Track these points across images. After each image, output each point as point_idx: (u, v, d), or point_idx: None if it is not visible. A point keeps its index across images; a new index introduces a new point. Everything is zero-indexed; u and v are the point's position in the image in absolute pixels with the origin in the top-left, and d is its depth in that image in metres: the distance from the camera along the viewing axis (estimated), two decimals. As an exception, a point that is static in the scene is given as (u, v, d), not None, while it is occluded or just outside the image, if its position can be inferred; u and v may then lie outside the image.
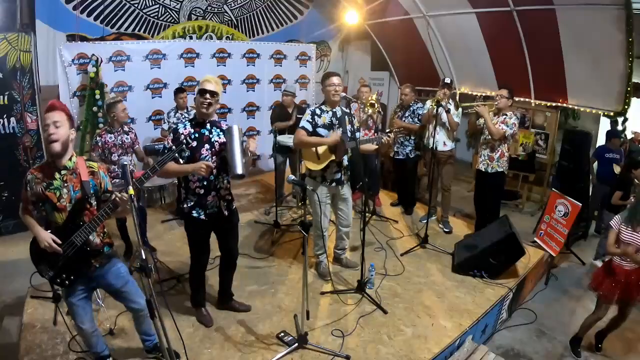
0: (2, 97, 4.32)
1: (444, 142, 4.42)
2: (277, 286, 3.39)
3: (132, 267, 2.23)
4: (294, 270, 3.62)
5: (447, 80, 4.33)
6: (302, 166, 4.78)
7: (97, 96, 4.51)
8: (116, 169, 3.49)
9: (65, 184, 2.04)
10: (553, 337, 3.35)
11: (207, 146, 2.56)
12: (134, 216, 1.76)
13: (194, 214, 2.62)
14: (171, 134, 2.60)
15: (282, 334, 2.74)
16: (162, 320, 1.77)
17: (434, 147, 4.35)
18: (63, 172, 2.04)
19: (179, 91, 4.69)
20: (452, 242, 4.11)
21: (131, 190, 1.77)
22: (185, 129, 2.57)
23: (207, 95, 2.51)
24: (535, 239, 4.33)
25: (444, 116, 4.26)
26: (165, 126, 4.73)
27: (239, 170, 2.42)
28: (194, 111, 4.65)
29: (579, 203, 3.98)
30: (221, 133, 2.62)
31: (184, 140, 2.37)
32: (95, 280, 2.23)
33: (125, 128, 3.77)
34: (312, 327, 2.82)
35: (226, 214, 2.70)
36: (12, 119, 4.41)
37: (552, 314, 3.64)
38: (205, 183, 2.58)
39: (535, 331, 3.42)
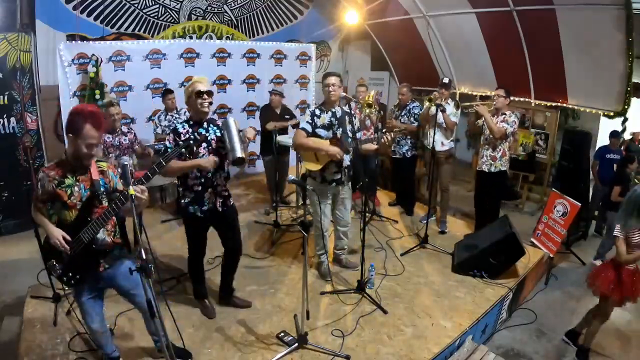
0: (2, 97, 4.32)
1: (442, 142, 4.42)
2: (277, 286, 3.38)
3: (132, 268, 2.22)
4: (294, 270, 3.62)
5: (445, 81, 4.34)
6: (302, 166, 4.78)
7: (97, 96, 4.51)
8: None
9: (77, 183, 2.05)
10: (553, 337, 3.35)
11: (204, 145, 2.61)
12: (135, 217, 1.76)
13: (191, 209, 2.70)
14: (171, 134, 2.63)
15: (282, 334, 2.74)
16: (162, 320, 1.77)
17: (432, 147, 4.35)
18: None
19: (167, 92, 4.63)
20: (452, 242, 4.11)
21: (131, 191, 1.77)
22: (184, 129, 2.62)
23: (205, 96, 2.57)
24: (532, 239, 4.31)
25: (440, 116, 4.24)
26: (159, 130, 4.62)
27: (239, 153, 2.52)
28: (185, 111, 4.68)
29: (578, 203, 3.97)
30: (217, 130, 2.68)
31: (191, 137, 2.42)
32: (104, 280, 2.22)
33: (124, 129, 3.75)
34: (312, 327, 2.81)
35: (220, 210, 2.75)
36: (12, 119, 4.42)
37: (552, 314, 3.64)
38: (202, 180, 2.65)
39: (535, 331, 3.42)
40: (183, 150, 2.27)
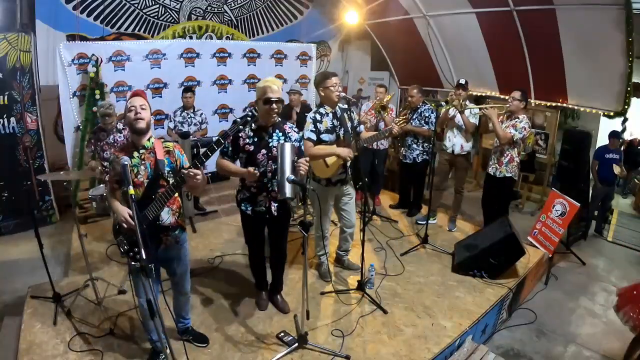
0: (2, 97, 4.32)
1: (462, 145, 4.30)
2: (277, 286, 3.38)
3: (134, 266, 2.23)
4: (294, 270, 3.61)
5: (462, 81, 4.23)
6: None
7: (97, 96, 4.52)
8: (108, 166, 3.55)
9: (143, 162, 2.16)
10: (553, 337, 3.35)
11: (263, 151, 2.59)
12: (134, 217, 1.76)
13: (242, 207, 2.75)
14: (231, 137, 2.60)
15: (282, 334, 2.74)
16: (162, 320, 1.77)
17: (452, 150, 4.31)
18: (141, 151, 2.17)
19: (185, 90, 4.68)
20: (452, 242, 4.10)
21: (131, 191, 1.78)
22: (245, 134, 2.59)
23: (274, 105, 2.52)
24: (529, 237, 4.25)
25: (459, 118, 4.18)
26: (172, 124, 4.69)
27: (288, 194, 2.42)
28: (201, 112, 4.74)
29: (577, 203, 3.96)
30: (282, 136, 2.64)
31: (249, 113, 2.27)
32: (160, 259, 2.29)
33: (119, 126, 3.79)
34: (312, 327, 2.81)
35: (275, 214, 2.72)
36: (12, 119, 4.42)
37: (552, 314, 3.64)
38: (258, 183, 2.64)
39: (535, 331, 3.41)
40: (241, 127, 2.18)
